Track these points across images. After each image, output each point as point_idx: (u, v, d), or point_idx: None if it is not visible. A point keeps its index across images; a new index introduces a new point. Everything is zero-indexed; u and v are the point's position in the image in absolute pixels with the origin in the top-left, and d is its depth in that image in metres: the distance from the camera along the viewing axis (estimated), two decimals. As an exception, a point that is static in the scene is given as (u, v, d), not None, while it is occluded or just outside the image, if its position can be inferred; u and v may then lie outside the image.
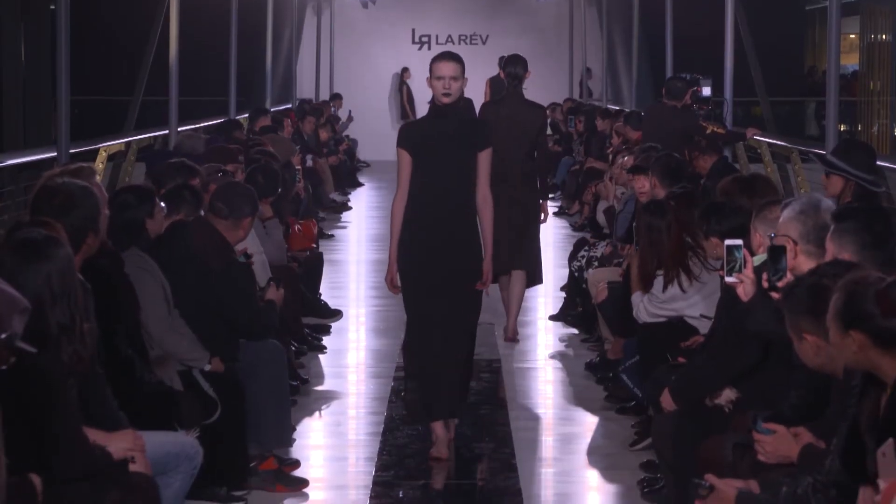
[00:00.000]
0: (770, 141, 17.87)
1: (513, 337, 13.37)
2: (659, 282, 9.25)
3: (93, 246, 6.98)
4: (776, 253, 6.69)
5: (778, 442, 6.08)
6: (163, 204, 8.72)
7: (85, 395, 6.54)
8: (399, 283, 9.40)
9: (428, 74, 9.43)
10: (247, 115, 21.48)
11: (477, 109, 14.77)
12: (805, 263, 6.60)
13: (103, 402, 6.72)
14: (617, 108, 26.16)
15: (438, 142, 9.35)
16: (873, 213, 6.51)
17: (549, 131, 25.78)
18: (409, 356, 10.12)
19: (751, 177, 9.69)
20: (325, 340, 13.17)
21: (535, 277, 13.59)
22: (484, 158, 9.38)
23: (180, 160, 10.70)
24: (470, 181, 9.38)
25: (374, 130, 32.54)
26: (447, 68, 9.31)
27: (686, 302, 9.16)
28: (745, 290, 6.92)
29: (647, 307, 9.30)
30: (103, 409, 6.68)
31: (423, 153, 9.35)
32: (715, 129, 14.88)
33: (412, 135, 9.49)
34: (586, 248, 13.43)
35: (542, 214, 13.64)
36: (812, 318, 5.97)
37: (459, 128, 9.44)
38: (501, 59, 22.66)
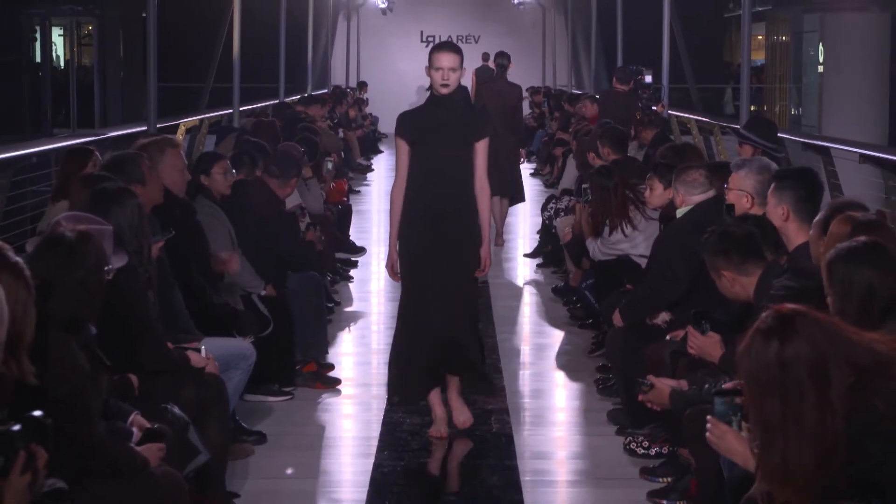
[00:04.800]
0: (697, 118, 17.83)
1: (498, 243, 14.88)
2: (607, 230, 9.26)
3: (146, 193, 6.88)
4: (729, 208, 6.83)
5: (708, 344, 6.05)
6: (234, 171, 8.74)
7: (167, 312, 6.56)
8: (399, 270, 7.65)
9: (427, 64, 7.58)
10: (296, 98, 21.39)
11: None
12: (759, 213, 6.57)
13: (181, 317, 6.75)
14: (579, 92, 26.08)
15: (436, 131, 7.52)
16: (807, 174, 6.50)
17: (528, 110, 25.84)
18: (397, 340, 7.91)
19: (682, 145, 9.74)
20: (353, 272, 13.16)
21: (517, 198, 15.31)
22: (481, 148, 7.55)
23: (253, 139, 10.79)
24: (467, 170, 7.55)
25: (392, 109, 32.30)
26: (446, 59, 7.50)
27: (629, 244, 9.13)
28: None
29: (600, 248, 9.27)
30: (181, 323, 6.71)
31: (420, 142, 7.54)
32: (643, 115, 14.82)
33: (410, 124, 7.61)
34: (554, 201, 13.45)
35: (521, 158, 15.84)
36: (725, 257, 5.95)
37: (457, 118, 7.58)
38: (485, 54, 23.99)
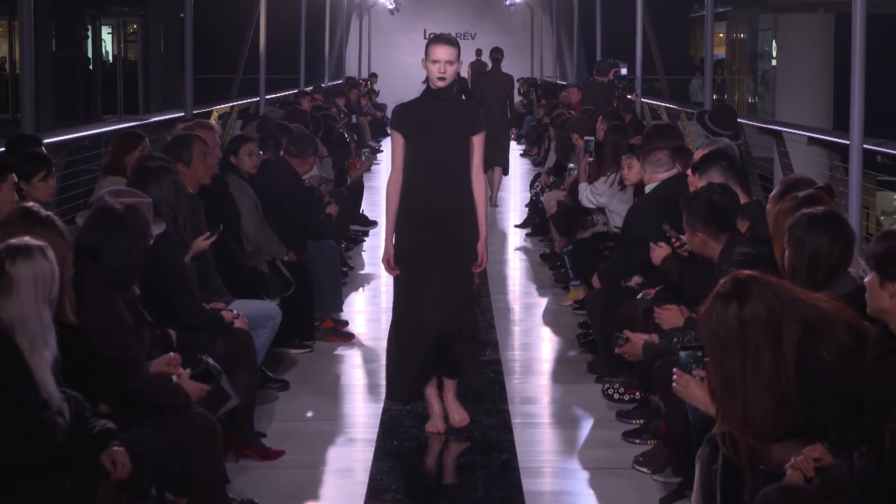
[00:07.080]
0: (666, 105, 17.77)
1: (495, 204, 15.66)
2: (603, 178, 9.27)
3: (190, 173, 6.89)
4: None
5: (671, 316, 6.04)
6: (262, 152, 8.74)
7: (201, 275, 6.56)
8: (395, 264, 6.64)
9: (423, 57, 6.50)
10: (312, 87, 21.32)
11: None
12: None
13: (213, 279, 6.74)
14: (563, 83, 26.03)
15: (432, 125, 6.47)
16: (721, 151, 6.58)
17: (519, 98, 25.79)
18: (392, 340, 6.85)
19: (665, 125, 9.76)
20: (365, 240, 13.14)
21: (505, 170, 16.23)
22: (477, 142, 6.48)
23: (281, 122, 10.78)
24: (464, 163, 6.48)
25: (398, 97, 32.38)
26: (444, 52, 6.41)
27: (608, 199, 9.12)
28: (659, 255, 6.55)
29: (588, 196, 9.31)
30: (213, 285, 6.70)
31: (416, 135, 6.51)
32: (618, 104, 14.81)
33: (406, 117, 6.55)
34: (540, 178, 13.49)
35: (511, 137, 16.85)
36: (704, 222, 5.93)
37: (454, 111, 6.51)
38: (478, 50, 24.29)
